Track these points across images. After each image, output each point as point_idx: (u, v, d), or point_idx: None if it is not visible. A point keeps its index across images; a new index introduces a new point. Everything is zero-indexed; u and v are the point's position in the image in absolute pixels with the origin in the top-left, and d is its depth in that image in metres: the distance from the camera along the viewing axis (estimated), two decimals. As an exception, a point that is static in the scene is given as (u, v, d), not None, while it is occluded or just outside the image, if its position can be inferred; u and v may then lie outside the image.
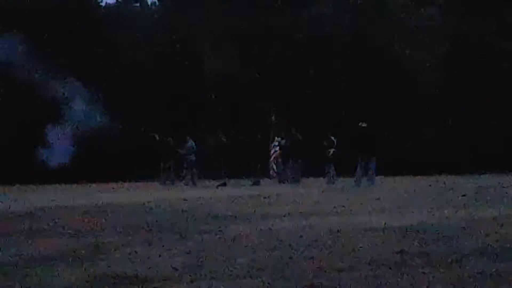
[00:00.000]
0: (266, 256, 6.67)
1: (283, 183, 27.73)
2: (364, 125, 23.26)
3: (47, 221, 11.21)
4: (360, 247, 7.20)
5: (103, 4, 42.50)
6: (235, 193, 19.67)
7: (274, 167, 29.99)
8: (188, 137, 29.31)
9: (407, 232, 8.41)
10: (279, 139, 29.46)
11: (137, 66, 37.24)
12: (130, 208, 14.15)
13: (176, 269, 6.07)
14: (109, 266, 6.30)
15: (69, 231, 9.43)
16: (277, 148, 29.78)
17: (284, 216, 11.13)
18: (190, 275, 5.75)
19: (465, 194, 16.14)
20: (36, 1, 36.01)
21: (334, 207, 13.04)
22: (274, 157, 29.88)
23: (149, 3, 46.84)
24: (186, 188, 26.35)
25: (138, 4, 46.13)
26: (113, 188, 26.13)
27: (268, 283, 5.38)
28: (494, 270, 5.68)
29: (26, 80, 31.96)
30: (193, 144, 29.18)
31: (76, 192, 23.92)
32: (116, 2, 44.13)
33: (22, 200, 18.65)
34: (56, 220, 11.32)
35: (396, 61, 37.46)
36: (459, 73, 37.98)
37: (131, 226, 9.99)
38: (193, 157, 28.83)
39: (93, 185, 29.34)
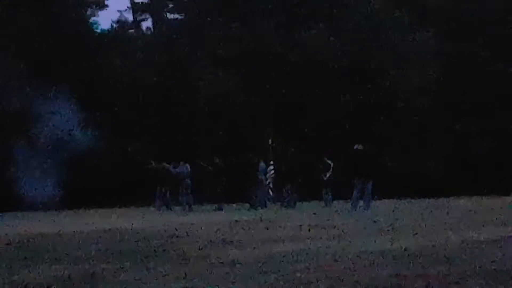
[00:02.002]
0: (263, 281, 6.65)
1: (283, 205, 27.63)
2: (360, 147, 23.26)
3: (42, 248, 11.16)
4: (358, 270, 7.18)
5: (98, 30, 42.70)
6: (231, 218, 19.60)
7: (270, 191, 29.93)
8: (182, 162, 29.27)
9: (405, 255, 8.39)
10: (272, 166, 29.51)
11: (133, 91, 37.27)
12: (126, 234, 14.10)
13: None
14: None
15: (65, 258, 9.38)
16: (272, 172, 29.74)
17: (281, 240, 11.10)
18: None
19: (461, 216, 16.13)
20: (32, 27, 36.09)
21: (331, 230, 13.01)
22: (269, 181, 29.83)
23: (144, 28, 47.11)
24: (182, 213, 26.26)
25: (133, 30, 46.35)
26: (109, 214, 26.04)
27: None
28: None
29: (23, 105, 31.99)
30: (188, 168, 29.12)
31: (70, 218, 23.80)
32: (111, 28, 44.34)
33: (14, 226, 18.55)
34: (52, 247, 11.27)
35: (392, 85, 37.58)
36: (453, 96, 38.10)
37: (128, 252, 9.95)
38: (188, 181, 28.76)
39: (88, 211, 29.22)
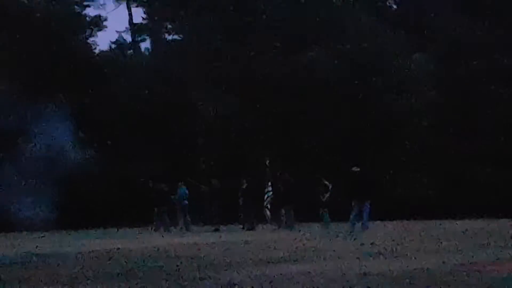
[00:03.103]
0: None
1: (279, 227, 27.59)
2: (357, 169, 23.30)
3: (40, 268, 11.15)
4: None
5: (97, 51, 42.80)
6: (229, 239, 19.61)
7: (268, 212, 29.92)
8: (180, 183, 29.34)
9: (403, 277, 8.41)
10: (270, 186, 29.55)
11: (131, 112, 37.31)
12: (124, 254, 14.10)
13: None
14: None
15: (63, 279, 9.39)
16: (270, 193, 29.73)
17: (278, 262, 11.11)
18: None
19: (458, 239, 16.14)
20: (31, 47, 36.20)
21: (329, 252, 13.03)
22: (268, 202, 29.84)
23: (143, 49, 47.24)
24: (180, 234, 26.24)
25: (131, 51, 46.49)
26: (107, 235, 26.01)
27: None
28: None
29: (18, 124, 31.99)
30: (186, 190, 29.21)
31: (67, 238, 23.76)
32: (110, 49, 44.44)
33: (9, 246, 18.50)
34: (50, 267, 11.26)
35: (390, 107, 37.63)
36: (452, 119, 38.19)
37: (125, 273, 9.96)
38: (186, 203, 28.82)
39: (85, 231, 29.18)
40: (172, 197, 29.13)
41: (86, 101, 35.95)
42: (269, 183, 30.01)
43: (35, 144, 32.41)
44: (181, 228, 28.48)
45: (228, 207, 28.70)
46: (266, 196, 29.99)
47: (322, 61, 37.73)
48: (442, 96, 38.23)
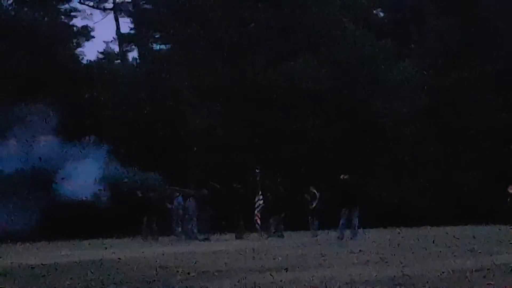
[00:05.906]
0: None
1: (268, 236, 27.59)
2: (345, 177, 23.34)
3: (33, 280, 11.12)
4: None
5: (84, 61, 42.78)
6: (219, 248, 19.59)
7: (258, 221, 29.93)
8: (177, 193, 29.42)
9: (392, 285, 8.43)
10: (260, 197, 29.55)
11: (119, 121, 37.27)
12: (112, 265, 14.05)
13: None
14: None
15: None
16: (261, 202, 29.73)
17: (268, 270, 11.11)
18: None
19: (447, 245, 16.19)
20: (17, 57, 36.11)
21: (318, 260, 13.04)
22: (258, 211, 29.84)
23: (130, 59, 47.26)
24: (171, 243, 26.19)
25: (119, 61, 46.48)
26: (95, 245, 25.91)
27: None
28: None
29: (6, 135, 31.82)
30: (181, 199, 29.30)
31: (58, 249, 23.67)
32: (97, 59, 44.45)
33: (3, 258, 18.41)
34: (41, 279, 11.23)
35: (377, 114, 37.77)
36: (438, 127, 38.38)
37: (116, 282, 9.94)
38: (180, 212, 28.97)
39: (75, 241, 29.10)
40: (169, 206, 29.26)
41: (73, 111, 35.83)
42: (259, 192, 30.01)
43: (19, 155, 32.23)
44: (180, 237, 28.56)
45: (218, 216, 28.69)
46: (256, 205, 29.99)
47: (310, 69, 37.82)
48: (429, 103, 38.40)
